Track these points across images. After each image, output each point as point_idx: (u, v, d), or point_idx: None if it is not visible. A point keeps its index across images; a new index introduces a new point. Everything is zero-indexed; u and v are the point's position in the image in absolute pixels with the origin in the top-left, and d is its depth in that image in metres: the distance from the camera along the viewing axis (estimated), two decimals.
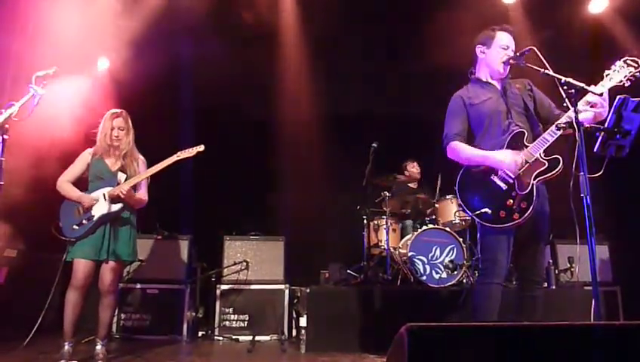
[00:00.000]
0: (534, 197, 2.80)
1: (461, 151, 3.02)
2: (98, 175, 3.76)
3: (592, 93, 2.68)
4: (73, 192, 3.72)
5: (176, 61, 6.05)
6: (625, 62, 2.74)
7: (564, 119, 2.77)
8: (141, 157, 3.98)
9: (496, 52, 3.06)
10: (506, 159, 2.86)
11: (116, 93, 5.45)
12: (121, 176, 3.77)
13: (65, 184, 3.74)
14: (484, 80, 3.13)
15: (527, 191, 2.81)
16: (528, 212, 2.79)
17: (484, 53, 3.13)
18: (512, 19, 5.96)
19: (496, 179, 2.90)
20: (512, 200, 2.83)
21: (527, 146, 2.88)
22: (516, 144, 2.90)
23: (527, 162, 2.84)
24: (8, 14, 5.13)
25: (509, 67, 3.06)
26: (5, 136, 2.56)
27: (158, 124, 5.74)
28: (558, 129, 2.78)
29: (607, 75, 2.76)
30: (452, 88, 3.24)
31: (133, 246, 3.85)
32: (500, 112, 3.00)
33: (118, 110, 3.88)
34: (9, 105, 2.59)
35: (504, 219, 2.82)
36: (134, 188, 3.78)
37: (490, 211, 2.85)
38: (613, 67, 2.77)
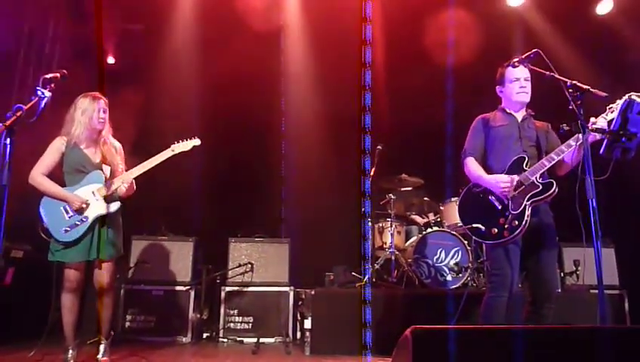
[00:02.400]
0: (525, 217, 2.94)
1: (471, 168, 3.26)
2: (77, 167, 3.50)
3: (598, 96, 2.70)
4: (56, 189, 3.43)
5: (184, 60, 6.07)
6: (630, 97, 2.77)
7: (564, 148, 2.93)
8: (117, 144, 3.74)
9: (509, 88, 3.24)
10: (494, 182, 3.07)
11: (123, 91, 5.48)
12: (106, 169, 3.54)
13: (42, 178, 3.43)
14: (508, 111, 3.31)
15: (519, 210, 2.97)
16: (518, 230, 2.94)
17: (502, 91, 3.33)
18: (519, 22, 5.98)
19: (493, 198, 3.10)
20: (504, 219, 3.01)
21: (525, 171, 3.04)
22: (516, 168, 3.09)
23: (522, 184, 3.00)
24: (16, 17, 5.17)
25: (528, 97, 3.22)
26: (13, 139, 2.57)
27: (165, 125, 5.79)
28: (557, 155, 2.94)
29: (609, 108, 2.83)
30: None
31: (121, 242, 3.68)
32: (512, 138, 3.20)
33: (96, 92, 3.60)
34: (17, 108, 2.61)
35: (495, 235, 3.01)
36: (113, 175, 3.57)
37: (483, 228, 3.05)
38: (618, 101, 2.79)
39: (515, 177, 3.01)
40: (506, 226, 2.97)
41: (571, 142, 2.87)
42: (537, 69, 2.97)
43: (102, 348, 3.62)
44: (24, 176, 3.46)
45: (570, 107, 2.70)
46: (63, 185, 3.51)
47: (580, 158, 2.80)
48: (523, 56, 3.04)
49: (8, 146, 2.55)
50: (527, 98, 3.22)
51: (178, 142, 3.70)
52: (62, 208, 3.43)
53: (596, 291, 2.50)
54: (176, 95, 6.05)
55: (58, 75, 2.95)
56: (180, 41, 6.04)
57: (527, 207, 2.95)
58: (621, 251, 5.45)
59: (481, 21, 5.87)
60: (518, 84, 3.18)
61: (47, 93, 2.81)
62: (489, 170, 3.20)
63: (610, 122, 2.78)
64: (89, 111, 3.51)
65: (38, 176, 3.46)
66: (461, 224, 3.25)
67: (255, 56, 6.03)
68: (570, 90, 2.68)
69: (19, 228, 4.36)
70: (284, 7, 6.10)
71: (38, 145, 3.57)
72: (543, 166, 2.98)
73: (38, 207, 3.44)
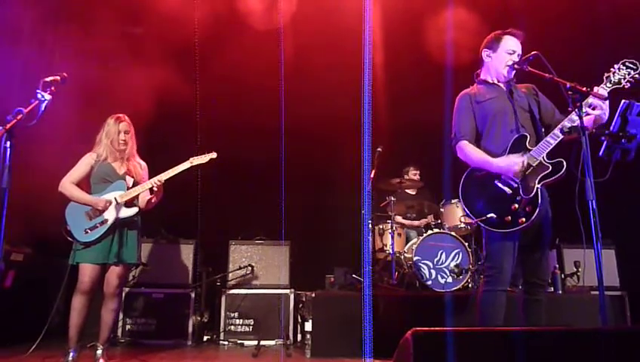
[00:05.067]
0: (539, 201, 2.79)
1: (468, 152, 3.01)
2: (104, 178, 3.75)
3: (597, 96, 2.70)
4: (83, 195, 3.69)
5: (183, 66, 6.07)
6: (624, 64, 2.77)
7: (566, 122, 2.78)
8: (143, 163, 4.01)
9: (502, 56, 3.07)
10: (506, 166, 2.86)
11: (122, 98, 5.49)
12: (129, 180, 3.79)
13: (71, 186, 3.71)
14: (490, 81, 3.15)
15: (532, 194, 2.80)
16: (534, 215, 2.77)
17: (490, 57, 3.14)
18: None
19: (499, 183, 2.90)
20: (517, 205, 2.81)
21: (529, 150, 2.87)
22: (519, 147, 2.90)
23: (530, 165, 2.83)
24: (16, 20, 5.17)
25: (514, 71, 3.07)
26: (13, 142, 2.58)
27: (165, 130, 5.79)
28: (562, 132, 2.78)
29: (606, 78, 2.79)
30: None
31: (139, 249, 3.87)
32: (506, 112, 3.01)
33: (120, 114, 3.88)
34: (17, 112, 2.61)
35: (510, 223, 2.81)
36: (136, 186, 3.82)
37: (495, 216, 2.83)
38: (612, 69, 2.79)
39: (525, 158, 2.83)
40: (519, 212, 2.79)
41: (573, 116, 2.72)
42: (537, 71, 2.91)
43: (99, 353, 3.67)
44: (26, 179, 3.50)
45: (570, 108, 2.70)
46: (89, 193, 3.75)
47: (594, 125, 2.79)
48: (522, 59, 3.01)
49: (8, 150, 2.55)
50: (511, 75, 3.08)
51: (197, 155, 3.93)
52: (84, 212, 3.66)
53: (597, 292, 2.50)
54: (174, 98, 6.04)
55: (58, 77, 2.95)
56: (176, 42, 6.02)
57: (539, 190, 2.79)
58: (622, 252, 5.45)
59: (480, 20, 5.86)
60: (512, 57, 3.03)
61: (47, 96, 2.81)
62: (485, 153, 2.97)
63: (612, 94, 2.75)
64: (111, 134, 3.82)
65: (69, 185, 3.71)
66: (467, 213, 2.99)
67: (253, 57, 6.03)
68: (570, 92, 2.65)
69: (20, 231, 4.39)
70: (282, 7, 6.10)
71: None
72: (548, 144, 2.81)
73: (64, 211, 3.69)
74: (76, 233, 3.60)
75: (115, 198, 3.69)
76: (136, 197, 3.81)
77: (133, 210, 3.74)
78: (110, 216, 3.65)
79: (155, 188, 3.74)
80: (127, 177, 3.80)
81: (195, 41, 5.92)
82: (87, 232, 3.60)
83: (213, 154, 3.96)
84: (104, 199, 3.66)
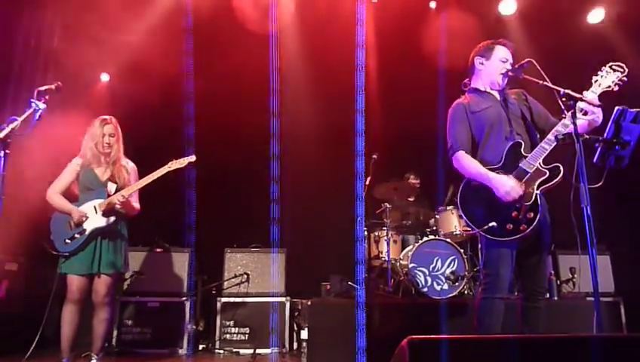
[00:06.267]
0: (539, 207, 2.80)
1: (465, 163, 3.00)
2: (88, 185, 3.70)
3: (590, 104, 2.72)
4: (64, 204, 3.66)
5: (177, 72, 6.08)
6: (610, 67, 2.81)
7: (560, 128, 2.80)
8: (131, 164, 3.93)
9: (496, 64, 3.09)
10: (503, 187, 2.82)
11: (116, 105, 5.48)
12: (111, 186, 3.72)
13: (55, 196, 3.69)
14: (483, 90, 3.15)
15: (531, 201, 2.80)
16: (535, 222, 2.77)
17: (483, 64, 3.15)
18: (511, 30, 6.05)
19: None
20: (517, 212, 2.80)
21: (525, 156, 2.88)
22: (514, 156, 2.91)
23: (527, 172, 2.84)
24: (9, 27, 5.17)
25: (507, 79, 3.09)
26: (7, 151, 2.57)
27: (159, 136, 5.78)
28: (556, 139, 2.79)
29: (595, 82, 2.82)
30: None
31: (125, 257, 3.80)
32: (501, 121, 3.01)
33: (107, 117, 3.80)
34: (11, 120, 2.61)
35: (511, 231, 2.80)
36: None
37: (496, 224, 2.81)
38: (600, 73, 2.83)
39: (522, 191, 2.80)
40: (520, 219, 2.78)
41: (567, 121, 2.74)
42: (531, 78, 2.93)
43: None
44: (20, 188, 3.50)
45: (564, 115, 2.72)
46: (78, 201, 3.72)
47: (589, 129, 2.81)
48: (516, 66, 3.03)
49: (2, 159, 2.54)
50: (504, 83, 3.09)
51: (175, 159, 3.86)
52: (67, 222, 3.64)
53: (592, 298, 2.50)
54: (168, 103, 6.04)
55: (53, 86, 2.95)
56: (169, 48, 6.02)
57: (538, 195, 2.80)
58: (616, 258, 5.46)
59: (474, 26, 5.90)
60: (505, 65, 3.06)
61: (42, 105, 2.81)
62: (482, 163, 2.96)
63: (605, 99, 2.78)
64: (95, 137, 3.74)
65: (53, 193, 3.70)
66: (467, 223, 2.95)
67: (250, 62, 6.04)
68: (564, 99, 2.67)
69: (14, 240, 4.37)
70: (275, 12, 6.12)
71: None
72: (543, 150, 2.82)
73: (49, 221, 3.69)
74: (57, 243, 3.60)
75: (95, 207, 3.64)
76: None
77: (112, 219, 3.67)
78: (88, 225, 3.61)
79: (118, 204, 3.64)
80: (110, 183, 3.72)
81: (190, 45, 5.94)
82: (66, 242, 3.58)
83: (192, 158, 3.90)
84: (79, 212, 3.61)
